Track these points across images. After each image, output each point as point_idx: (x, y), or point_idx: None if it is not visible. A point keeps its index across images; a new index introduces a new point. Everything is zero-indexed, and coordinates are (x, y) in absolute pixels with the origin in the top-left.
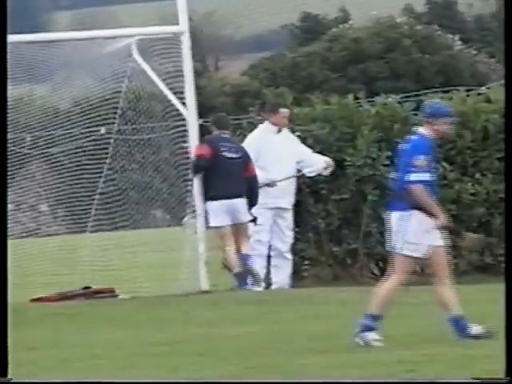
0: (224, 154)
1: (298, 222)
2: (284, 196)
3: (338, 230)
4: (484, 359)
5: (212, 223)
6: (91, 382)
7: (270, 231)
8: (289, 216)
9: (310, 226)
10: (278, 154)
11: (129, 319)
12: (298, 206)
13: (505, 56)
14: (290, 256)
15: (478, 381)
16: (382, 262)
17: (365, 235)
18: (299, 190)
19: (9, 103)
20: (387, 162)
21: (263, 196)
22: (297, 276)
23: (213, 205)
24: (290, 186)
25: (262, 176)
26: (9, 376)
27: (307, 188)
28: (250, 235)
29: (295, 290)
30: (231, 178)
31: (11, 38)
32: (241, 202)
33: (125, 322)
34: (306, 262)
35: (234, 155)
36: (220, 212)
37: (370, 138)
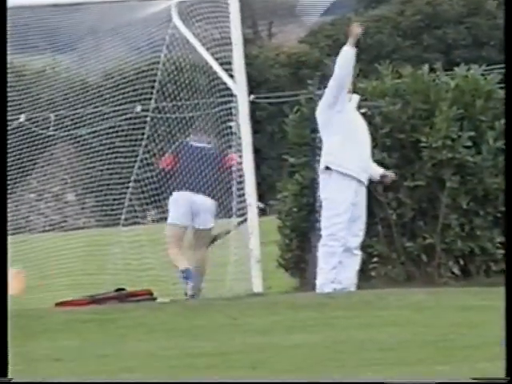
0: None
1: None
2: (365, 167)
3: (411, 223)
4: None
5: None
6: (95, 382)
7: (348, 221)
8: (363, 201)
9: (378, 218)
10: (353, 122)
11: (168, 326)
12: None
13: (505, 56)
14: (358, 252)
15: (478, 381)
16: (462, 259)
17: (443, 228)
18: None
19: (29, 76)
20: (469, 144)
21: (343, 158)
22: (363, 276)
23: None
24: (367, 159)
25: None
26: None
27: None
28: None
29: (361, 292)
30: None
31: (31, 1)
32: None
33: (163, 329)
34: (375, 260)
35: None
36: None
37: (448, 116)
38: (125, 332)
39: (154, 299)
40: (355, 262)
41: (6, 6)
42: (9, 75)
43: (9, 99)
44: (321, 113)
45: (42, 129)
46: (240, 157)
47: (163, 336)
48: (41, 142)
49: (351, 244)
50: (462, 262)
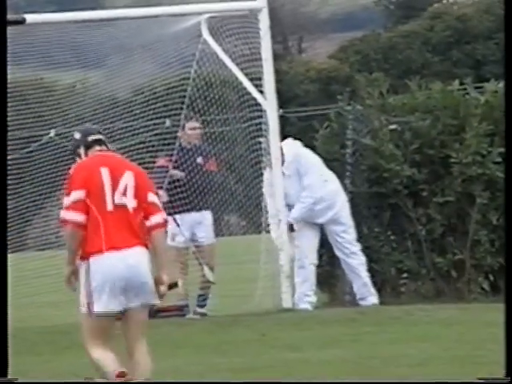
0: None
1: (395, 228)
2: (329, 209)
3: (441, 238)
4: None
5: None
6: (99, 383)
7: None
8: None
9: (408, 234)
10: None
11: (197, 342)
12: (394, 210)
13: (505, 55)
14: (357, 250)
15: (478, 381)
16: (492, 275)
17: (473, 244)
18: (395, 192)
19: (59, 92)
20: (499, 159)
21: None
22: (393, 292)
23: None
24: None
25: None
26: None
27: (405, 189)
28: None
29: (391, 308)
30: None
31: (61, 17)
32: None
33: (192, 345)
34: (404, 276)
35: None
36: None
37: (478, 132)
38: (153, 348)
39: (183, 315)
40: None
41: (6, 7)
42: (39, 91)
43: (39, 114)
44: None
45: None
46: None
47: (191, 352)
48: (70, 157)
49: (350, 249)
50: (491, 278)
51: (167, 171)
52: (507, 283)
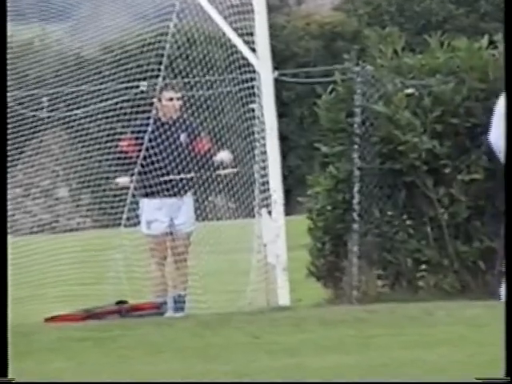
0: None
1: (412, 211)
2: None
3: (466, 223)
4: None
5: None
6: (101, 382)
7: None
8: None
9: (427, 218)
10: None
11: (179, 345)
12: (411, 190)
13: (505, 52)
14: None
15: (478, 381)
16: None
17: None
18: (412, 168)
19: (16, 49)
20: None
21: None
22: (410, 286)
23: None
24: None
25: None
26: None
27: (424, 165)
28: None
29: (406, 306)
30: None
31: None
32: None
33: (173, 348)
34: (423, 267)
35: None
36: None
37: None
38: (127, 352)
39: (162, 313)
40: None
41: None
42: None
43: None
44: None
45: (30, 110)
46: (264, 145)
47: (173, 357)
48: (28, 127)
49: None
50: None
51: (127, 157)
52: (507, 282)
